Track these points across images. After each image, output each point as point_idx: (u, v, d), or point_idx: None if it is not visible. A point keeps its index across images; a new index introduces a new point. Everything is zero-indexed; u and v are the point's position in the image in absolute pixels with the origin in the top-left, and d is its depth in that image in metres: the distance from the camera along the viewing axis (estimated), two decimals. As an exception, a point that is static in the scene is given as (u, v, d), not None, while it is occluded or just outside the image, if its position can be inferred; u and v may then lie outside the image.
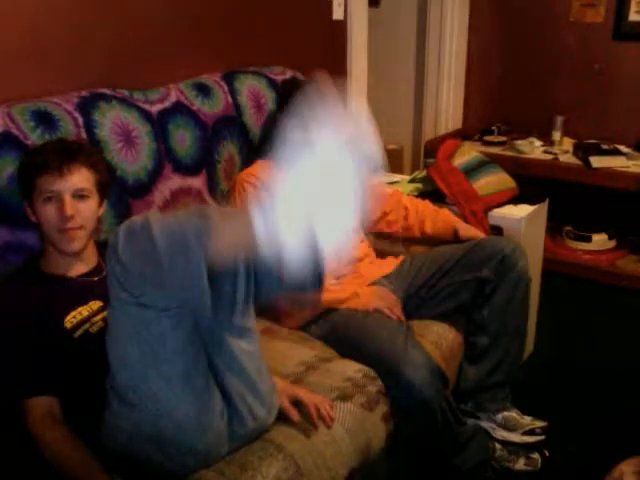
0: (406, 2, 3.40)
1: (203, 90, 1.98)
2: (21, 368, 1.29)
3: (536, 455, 1.91)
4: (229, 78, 2.07)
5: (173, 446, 1.18)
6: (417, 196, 2.32)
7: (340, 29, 2.68)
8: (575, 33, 3.22)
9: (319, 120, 0.91)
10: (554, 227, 3.15)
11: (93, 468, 1.17)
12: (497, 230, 2.20)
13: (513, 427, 1.91)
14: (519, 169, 2.75)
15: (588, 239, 3.17)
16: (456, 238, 2.07)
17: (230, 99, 2.03)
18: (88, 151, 1.42)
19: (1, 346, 1.30)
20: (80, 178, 1.35)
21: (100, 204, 1.44)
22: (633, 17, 3.05)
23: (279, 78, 2.18)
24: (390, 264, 2.04)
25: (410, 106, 3.54)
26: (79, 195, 1.35)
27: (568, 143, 3.16)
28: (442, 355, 1.80)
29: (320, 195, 0.93)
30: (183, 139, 1.87)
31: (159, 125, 1.80)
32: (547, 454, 1.92)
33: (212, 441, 1.22)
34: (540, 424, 1.90)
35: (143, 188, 1.74)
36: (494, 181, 2.36)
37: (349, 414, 1.48)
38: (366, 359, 1.67)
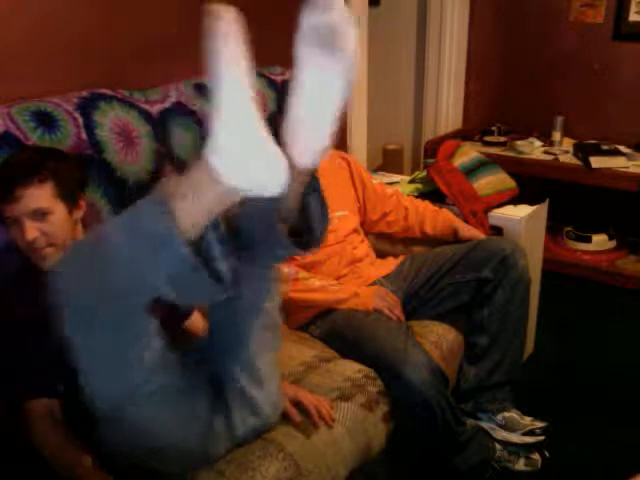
0: (406, 2, 3.39)
1: (203, 90, 1.98)
2: (22, 370, 1.29)
3: (536, 455, 1.91)
4: (229, 78, 2.07)
5: (165, 452, 1.17)
6: (417, 196, 2.32)
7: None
8: (575, 33, 3.22)
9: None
10: (554, 227, 3.16)
11: (92, 469, 1.18)
12: (497, 230, 2.20)
13: (513, 427, 1.90)
14: (519, 169, 2.75)
15: (588, 239, 3.17)
16: (456, 238, 2.07)
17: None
18: (41, 164, 1.32)
19: (1, 347, 1.30)
20: (34, 199, 1.28)
21: (71, 209, 1.36)
22: (633, 17, 3.05)
23: (279, 78, 2.18)
24: (390, 264, 2.04)
25: (410, 106, 3.53)
26: (40, 214, 1.29)
27: (568, 143, 3.16)
28: (442, 355, 1.81)
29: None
30: (183, 139, 1.86)
31: (159, 125, 1.80)
32: (547, 454, 1.92)
33: (205, 442, 1.21)
34: (540, 424, 1.90)
35: (143, 188, 1.74)
36: (494, 181, 2.36)
37: (349, 414, 1.49)
38: (366, 359, 1.67)
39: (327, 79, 0.91)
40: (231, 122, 0.88)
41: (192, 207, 0.90)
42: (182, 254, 0.89)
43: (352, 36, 0.90)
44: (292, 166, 0.93)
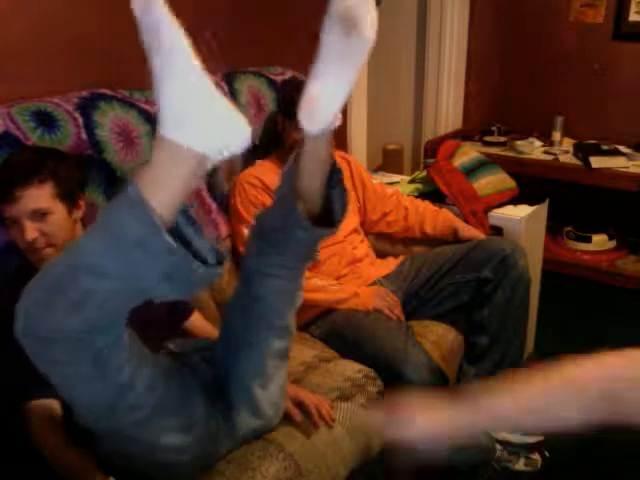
0: (406, 2, 3.39)
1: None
2: (21, 371, 1.29)
3: (536, 455, 1.91)
4: (229, 78, 2.07)
5: (163, 454, 1.17)
6: (417, 196, 2.32)
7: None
8: (575, 33, 3.22)
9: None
10: (554, 227, 3.16)
11: (92, 470, 1.18)
12: (497, 230, 2.20)
13: (513, 427, 1.91)
14: (519, 169, 2.75)
15: (588, 239, 3.18)
16: (456, 238, 2.07)
17: (230, 99, 2.03)
18: (41, 164, 1.32)
19: (1, 347, 1.30)
20: (34, 199, 1.28)
21: (71, 209, 1.36)
22: (633, 17, 3.05)
23: (279, 78, 2.18)
24: (390, 264, 2.04)
25: (410, 106, 3.53)
26: (40, 214, 1.29)
27: (568, 143, 3.16)
28: (442, 355, 1.81)
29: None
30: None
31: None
32: (547, 454, 1.92)
33: (205, 446, 1.21)
34: (540, 424, 1.90)
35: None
36: (494, 181, 2.36)
37: (349, 414, 1.48)
38: (366, 359, 1.67)
39: (343, 59, 0.94)
40: (178, 85, 0.84)
41: (165, 192, 0.85)
42: (170, 246, 0.85)
43: (372, 21, 0.92)
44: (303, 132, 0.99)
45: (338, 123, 1.03)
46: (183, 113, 0.84)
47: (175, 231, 0.90)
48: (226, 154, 0.86)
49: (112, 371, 1.00)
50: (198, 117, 0.84)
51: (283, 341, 1.28)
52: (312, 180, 1.12)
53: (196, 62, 0.84)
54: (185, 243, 0.90)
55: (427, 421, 0.93)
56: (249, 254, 1.27)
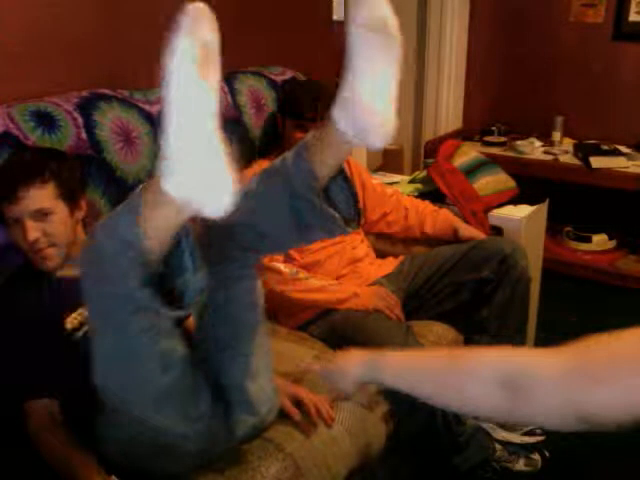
0: (406, 2, 3.39)
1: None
2: (21, 370, 1.29)
3: (536, 455, 1.91)
4: (229, 78, 2.07)
5: (166, 450, 1.17)
6: (417, 196, 2.32)
7: (341, 29, 2.68)
8: (575, 33, 3.22)
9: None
10: (554, 227, 3.15)
11: (93, 470, 1.18)
12: (497, 230, 2.20)
13: (513, 427, 1.90)
14: (519, 169, 2.75)
15: (588, 239, 3.18)
16: (456, 238, 2.07)
17: (230, 99, 2.03)
18: (43, 164, 1.33)
19: (1, 347, 1.30)
20: (36, 199, 1.28)
21: (73, 209, 1.37)
22: (633, 17, 3.05)
23: (279, 78, 2.18)
24: (390, 264, 2.04)
25: (410, 106, 3.53)
26: (42, 214, 1.30)
27: (568, 143, 3.16)
28: (442, 355, 1.80)
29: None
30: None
31: (159, 125, 1.79)
32: (547, 454, 1.92)
33: (204, 442, 1.21)
34: (540, 424, 1.90)
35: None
36: (494, 181, 2.36)
37: (349, 414, 1.48)
38: (366, 359, 1.67)
39: (382, 57, 0.98)
40: (185, 137, 0.87)
41: (155, 219, 0.92)
42: (145, 262, 0.93)
43: (397, 26, 0.97)
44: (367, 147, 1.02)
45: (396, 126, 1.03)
46: (179, 161, 0.87)
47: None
48: (202, 213, 0.89)
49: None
50: (193, 169, 0.86)
51: (263, 335, 1.28)
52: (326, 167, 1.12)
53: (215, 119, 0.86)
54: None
55: (344, 361, 1.08)
56: (211, 261, 1.28)
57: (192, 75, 0.84)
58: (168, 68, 0.84)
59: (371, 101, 0.99)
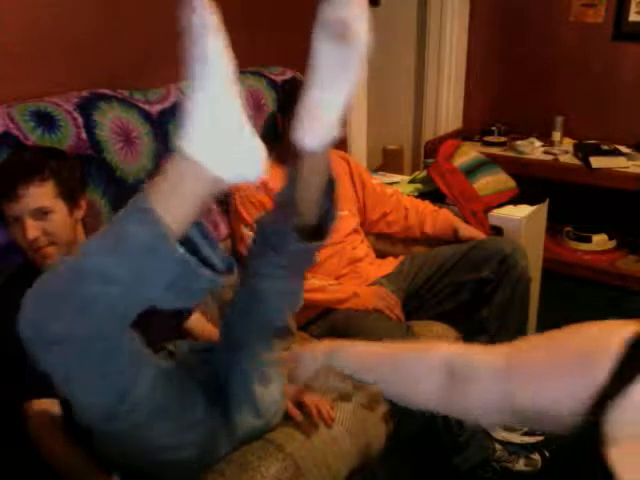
0: (406, 2, 3.39)
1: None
2: (21, 371, 1.29)
3: (536, 455, 1.91)
4: (229, 78, 2.07)
5: (162, 455, 1.16)
6: (417, 196, 2.32)
7: (340, 29, 2.68)
8: (575, 33, 3.22)
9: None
10: (554, 227, 3.15)
11: (93, 469, 1.18)
12: (497, 230, 2.20)
13: (513, 427, 1.90)
14: (519, 169, 2.75)
15: (588, 239, 3.17)
16: (456, 238, 2.07)
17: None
18: (43, 163, 1.33)
19: (1, 347, 1.30)
20: (36, 198, 1.29)
21: (72, 209, 1.37)
22: (633, 17, 3.05)
23: (279, 78, 2.18)
24: (390, 264, 2.04)
25: (410, 106, 3.53)
26: (41, 213, 1.30)
27: (568, 143, 3.16)
28: (442, 355, 1.80)
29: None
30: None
31: (159, 125, 1.80)
32: (547, 454, 1.92)
33: (204, 448, 1.21)
34: (540, 424, 1.90)
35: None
36: (494, 181, 2.36)
37: (349, 414, 1.48)
38: (366, 359, 1.67)
39: (338, 69, 0.94)
40: (213, 102, 0.85)
41: (177, 204, 0.87)
42: (178, 257, 0.86)
43: (364, 30, 0.91)
44: (300, 149, 0.98)
45: (338, 135, 1.01)
46: (212, 135, 0.85)
47: (187, 242, 0.91)
48: (241, 180, 0.88)
49: (112, 375, 1.00)
50: (225, 143, 0.85)
51: (283, 342, 1.28)
52: (310, 191, 1.11)
53: (235, 84, 0.86)
54: (194, 252, 0.90)
55: (312, 348, 1.09)
56: (250, 255, 1.27)
57: (219, 43, 0.85)
58: (197, 34, 0.85)
59: (316, 108, 0.97)
